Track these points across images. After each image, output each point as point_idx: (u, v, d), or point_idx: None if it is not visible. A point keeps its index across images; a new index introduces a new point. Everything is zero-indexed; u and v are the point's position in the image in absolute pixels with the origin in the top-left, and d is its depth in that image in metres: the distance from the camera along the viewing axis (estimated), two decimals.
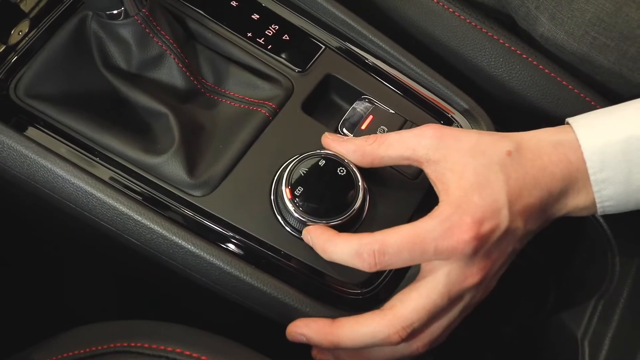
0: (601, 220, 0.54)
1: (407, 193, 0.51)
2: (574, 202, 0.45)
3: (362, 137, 0.49)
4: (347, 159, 0.48)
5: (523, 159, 0.44)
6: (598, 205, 0.45)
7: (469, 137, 0.45)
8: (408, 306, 0.44)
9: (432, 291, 0.43)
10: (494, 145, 0.45)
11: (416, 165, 0.47)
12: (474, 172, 0.43)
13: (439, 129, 0.46)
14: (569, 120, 0.47)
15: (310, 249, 0.47)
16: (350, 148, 0.48)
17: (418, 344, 0.46)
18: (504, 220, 0.43)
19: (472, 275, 0.44)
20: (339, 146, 0.49)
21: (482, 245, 0.42)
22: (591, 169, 0.44)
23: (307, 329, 0.46)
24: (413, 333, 0.44)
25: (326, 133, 0.50)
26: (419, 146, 0.45)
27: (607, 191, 0.45)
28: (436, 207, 0.44)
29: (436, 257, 0.43)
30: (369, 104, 0.54)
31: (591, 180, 0.44)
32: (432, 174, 0.45)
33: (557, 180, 0.44)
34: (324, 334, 0.45)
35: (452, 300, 0.44)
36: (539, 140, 0.45)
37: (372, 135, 0.48)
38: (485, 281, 0.45)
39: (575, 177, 0.45)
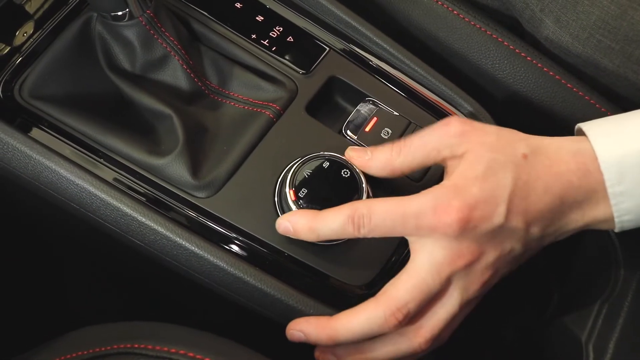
0: None
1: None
2: (593, 214, 0.44)
3: (385, 148, 0.47)
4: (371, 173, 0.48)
5: (539, 164, 0.44)
6: (616, 220, 0.44)
7: (490, 132, 0.45)
8: (400, 288, 0.44)
9: (420, 269, 0.44)
10: (512, 145, 0.44)
11: (440, 163, 0.47)
12: (485, 165, 0.43)
13: (460, 126, 0.45)
14: (583, 128, 0.46)
15: (313, 251, 0.47)
16: (379, 166, 0.48)
17: (420, 340, 0.45)
18: (499, 215, 0.42)
19: (460, 258, 0.43)
20: (366, 164, 0.48)
21: (465, 229, 0.42)
22: (608, 181, 0.43)
23: (305, 324, 0.46)
24: (409, 315, 0.44)
25: (350, 147, 0.49)
26: (443, 146, 0.45)
27: (625, 204, 0.43)
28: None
29: (417, 231, 0.43)
30: (373, 106, 0.54)
31: (608, 193, 0.43)
32: (449, 167, 0.45)
33: (573, 189, 0.43)
34: (322, 327, 0.45)
35: (442, 281, 0.44)
36: (559, 148, 0.45)
37: (395, 145, 0.47)
38: (476, 268, 0.44)
39: (594, 188, 0.43)
